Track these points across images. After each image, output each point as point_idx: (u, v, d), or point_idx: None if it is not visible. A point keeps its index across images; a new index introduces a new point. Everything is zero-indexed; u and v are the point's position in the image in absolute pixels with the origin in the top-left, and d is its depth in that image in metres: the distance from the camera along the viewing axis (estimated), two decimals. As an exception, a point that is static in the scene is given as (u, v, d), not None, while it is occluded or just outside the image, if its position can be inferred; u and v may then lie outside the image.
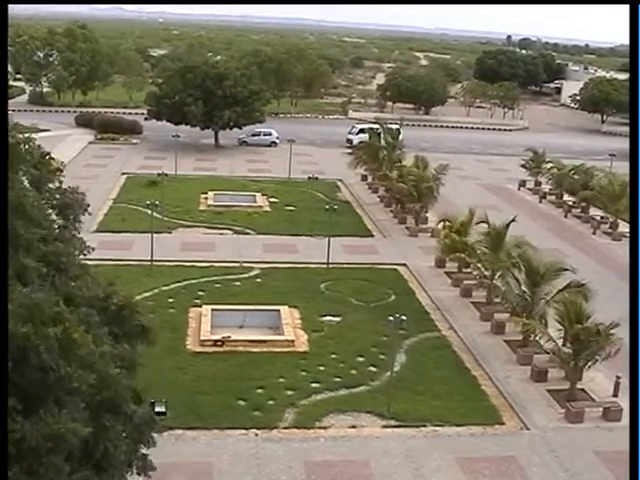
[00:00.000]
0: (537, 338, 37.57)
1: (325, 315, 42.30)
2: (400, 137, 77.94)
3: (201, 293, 44.45)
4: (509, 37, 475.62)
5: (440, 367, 37.00)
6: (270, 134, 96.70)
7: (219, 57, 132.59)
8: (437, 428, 31.51)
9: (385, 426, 31.43)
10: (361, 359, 37.04)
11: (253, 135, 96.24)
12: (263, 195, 68.70)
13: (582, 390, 34.95)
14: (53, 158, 24.52)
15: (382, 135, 77.42)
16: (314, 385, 34.24)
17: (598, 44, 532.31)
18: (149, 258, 47.41)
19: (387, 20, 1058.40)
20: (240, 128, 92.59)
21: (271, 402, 32.48)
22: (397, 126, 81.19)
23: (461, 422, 31.96)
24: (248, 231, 58.28)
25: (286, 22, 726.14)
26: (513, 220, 46.25)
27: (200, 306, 41.82)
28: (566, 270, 39.79)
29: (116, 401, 18.54)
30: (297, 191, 72.02)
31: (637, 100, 28.67)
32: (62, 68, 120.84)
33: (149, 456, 20.62)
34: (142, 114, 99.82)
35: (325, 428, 30.94)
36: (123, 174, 74.75)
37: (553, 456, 30.18)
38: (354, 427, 31.20)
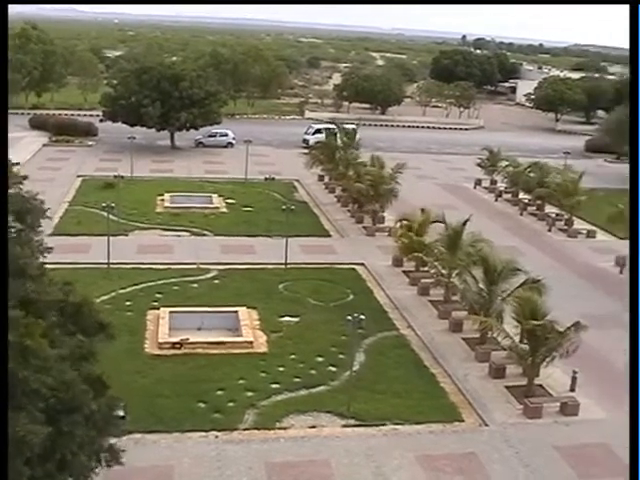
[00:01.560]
0: (495, 335, 37.88)
1: (284, 316, 42.28)
2: (357, 137, 78.11)
3: (159, 295, 44.18)
4: (464, 37, 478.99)
5: (399, 366, 37.15)
6: (226, 135, 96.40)
7: (175, 58, 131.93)
8: (397, 427, 31.64)
9: (345, 425, 31.48)
10: (320, 359, 37.08)
11: (210, 136, 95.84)
12: (220, 196, 68.45)
13: (540, 386, 35.36)
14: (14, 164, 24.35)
15: (338, 135, 77.59)
16: (274, 386, 34.21)
17: (552, 44, 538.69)
18: (106, 261, 47.02)
19: (343, 20, 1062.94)
20: (197, 129, 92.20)
21: (231, 404, 32.40)
22: (353, 126, 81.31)
23: (421, 420, 32.13)
24: (205, 232, 58.03)
25: (242, 23, 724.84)
26: (468, 219, 46.54)
27: (158, 309, 41.57)
28: (520, 270, 40.16)
29: (75, 402, 18.41)
30: (254, 192, 71.85)
31: (637, 100, 28.97)
32: (14, 70, 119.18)
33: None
34: (97, 116, 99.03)
35: (285, 429, 30.93)
36: (79, 177, 74.01)
37: (513, 452, 30.48)
38: (314, 427, 31.22)
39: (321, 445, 29.98)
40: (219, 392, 33.27)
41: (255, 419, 31.40)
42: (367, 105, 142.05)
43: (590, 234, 64.65)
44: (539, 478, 28.88)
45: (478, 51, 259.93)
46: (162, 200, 66.12)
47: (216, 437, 30.01)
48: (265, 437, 30.25)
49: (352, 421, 31.74)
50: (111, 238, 47.76)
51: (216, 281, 47.54)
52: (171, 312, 40.66)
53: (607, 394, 35.87)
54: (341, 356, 37.07)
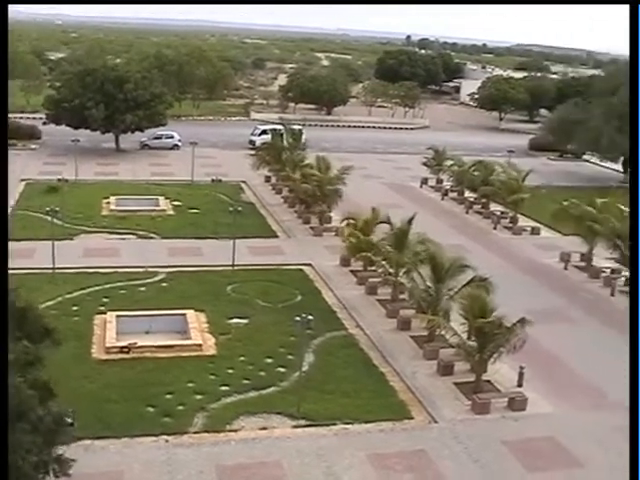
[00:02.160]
0: (442, 333, 38.19)
1: (232, 317, 42.17)
2: (303, 137, 78.13)
3: (106, 300, 43.75)
4: (409, 37, 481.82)
5: (348, 365, 37.28)
6: (172, 137, 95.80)
7: (119, 60, 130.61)
8: (347, 426, 31.74)
9: (296, 426, 31.51)
10: (270, 360, 37.06)
11: (155, 138, 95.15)
12: (166, 199, 68.01)
13: (488, 382, 35.72)
14: None
15: (284, 136, 77.58)
16: (223, 388, 34.11)
17: (495, 43, 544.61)
18: (51, 266, 46.43)
19: (288, 21, 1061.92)
20: (142, 131, 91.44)
21: (181, 407, 32.22)
22: (299, 127, 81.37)
23: (371, 419, 32.28)
24: (152, 235, 57.62)
25: (187, 24, 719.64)
26: (413, 217, 46.85)
27: (105, 313, 41.17)
28: (467, 267, 40.56)
29: (21, 408, 18.18)
30: (201, 194, 71.54)
31: (637, 100, 29.30)
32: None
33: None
34: (40, 118, 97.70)
35: (236, 431, 30.86)
36: (22, 180, 72.86)
37: (462, 448, 30.78)
38: (265, 429, 31.19)
39: (272, 446, 29.96)
40: (168, 396, 33.06)
41: (205, 422, 31.27)
42: (313, 106, 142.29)
43: (534, 231, 65.55)
44: (488, 473, 29.21)
45: (422, 51, 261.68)
46: (108, 203, 65.50)
47: (166, 441, 29.82)
48: (215, 440, 30.14)
49: (302, 421, 31.77)
50: (56, 242, 47.16)
51: (164, 284, 47.23)
52: (118, 316, 40.29)
53: (553, 388, 36.45)
54: (290, 357, 37.09)
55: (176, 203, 67.29)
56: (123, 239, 56.35)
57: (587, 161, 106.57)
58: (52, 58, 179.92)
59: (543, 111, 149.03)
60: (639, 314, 24.27)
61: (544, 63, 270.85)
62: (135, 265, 49.90)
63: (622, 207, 54.65)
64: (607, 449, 31.48)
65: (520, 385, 35.85)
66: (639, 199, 27.46)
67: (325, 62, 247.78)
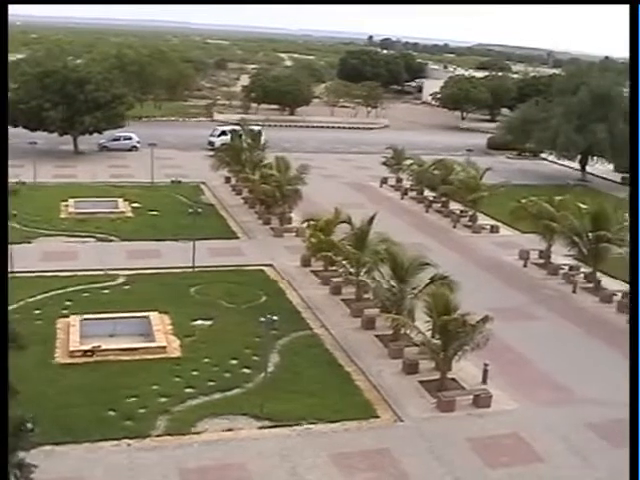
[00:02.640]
0: (407, 332, 38.29)
1: (196, 319, 41.97)
2: (262, 138, 78.01)
3: (68, 303, 43.33)
4: (371, 37, 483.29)
5: (313, 365, 37.30)
6: (130, 138, 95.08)
7: (80, 61, 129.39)
8: (312, 426, 31.73)
9: (261, 427, 31.43)
10: (234, 362, 36.94)
11: (113, 140, 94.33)
12: (126, 200, 67.46)
13: (452, 380, 35.94)
14: None
15: (244, 136, 77.40)
16: (188, 390, 33.93)
17: (457, 43, 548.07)
18: (10, 269, 45.75)
19: (250, 21, 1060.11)
20: (101, 133, 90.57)
21: (144, 410, 31.98)
22: (259, 127, 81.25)
23: (336, 418, 32.30)
24: (112, 238, 57.16)
25: (148, 24, 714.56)
26: (374, 216, 46.96)
27: (68, 316, 40.78)
28: (429, 265, 40.78)
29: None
30: (160, 195, 71.12)
31: (637, 100, 29.38)
32: None
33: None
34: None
35: (199, 433, 30.69)
36: (-21, 184, 71.91)
37: (427, 446, 30.91)
38: (230, 430, 31.07)
39: (236, 448, 29.86)
40: (132, 399, 32.80)
41: (168, 425, 31.05)
42: (276, 106, 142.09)
43: (494, 229, 66.04)
44: (451, 470, 29.34)
45: (385, 51, 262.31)
46: (66, 206, 64.80)
47: (128, 445, 29.58)
48: (179, 443, 29.95)
49: (267, 422, 31.69)
50: (14, 246, 46.59)
51: (126, 287, 46.89)
52: (82, 319, 39.92)
53: (517, 385, 36.73)
54: (255, 358, 37.00)
55: (135, 205, 66.79)
56: (82, 242, 55.82)
57: (545, 159, 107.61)
58: (12, 59, 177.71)
59: (504, 110, 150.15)
60: (639, 316, 24.42)
61: (505, 62, 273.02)
62: (95, 268, 49.43)
63: (579, 204, 55.29)
64: (570, 445, 31.79)
65: (484, 382, 36.10)
66: (639, 199, 27.54)
67: (288, 62, 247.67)
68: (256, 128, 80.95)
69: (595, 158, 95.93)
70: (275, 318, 32.94)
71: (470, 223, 67.46)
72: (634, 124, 29.70)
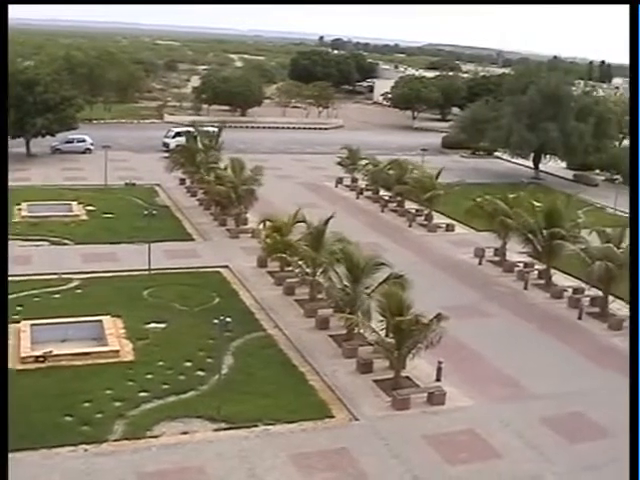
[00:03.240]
0: (361, 331, 38.43)
1: (150, 322, 41.66)
2: (218, 139, 77.70)
3: (19, 308, 42.68)
4: (322, 38, 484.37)
5: (268, 366, 37.24)
6: (84, 141, 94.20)
7: (29, 62, 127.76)
8: (269, 427, 31.68)
9: (217, 429, 31.31)
10: (189, 364, 36.76)
11: (66, 142, 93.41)
12: (80, 203, 66.81)
13: (407, 378, 36.10)
14: None
15: (198, 138, 77.09)
16: (142, 394, 33.67)
17: (407, 43, 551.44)
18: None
19: (200, 22, 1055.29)
20: (53, 135, 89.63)
21: (99, 415, 31.69)
22: (214, 128, 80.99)
23: (292, 419, 32.29)
24: (66, 241, 56.57)
25: (98, 25, 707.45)
26: (331, 217, 47.06)
27: (19, 322, 40.23)
28: (384, 265, 40.95)
29: None
30: (114, 198, 70.55)
31: (637, 100, 29.54)
32: None
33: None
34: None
35: (156, 437, 30.49)
36: None
37: (383, 444, 31.02)
38: (186, 433, 30.90)
39: (194, 451, 29.73)
40: (86, 404, 32.48)
41: (125, 429, 30.81)
42: (227, 107, 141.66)
43: (449, 228, 66.55)
44: (410, 468, 29.46)
45: (335, 51, 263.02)
46: (19, 210, 63.97)
47: (85, 450, 29.29)
48: (136, 447, 29.74)
49: (224, 424, 31.58)
50: (-35, 251, 45.89)
51: (78, 291, 46.41)
52: (33, 325, 39.40)
53: (471, 381, 37.03)
54: (209, 360, 36.86)
55: (90, 208, 66.18)
56: (36, 246, 55.17)
57: (499, 158, 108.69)
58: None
59: (455, 109, 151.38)
60: (639, 316, 24.65)
61: (455, 62, 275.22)
62: (49, 272, 48.88)
63: (533, 202, 55.90)
64: (526, 440, 32.12)
65: (439, 380, 36.33)
66: (639, 200, 27.78)
67: (239, 63, 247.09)
68: (211, 129, 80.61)
69: (548, 156, 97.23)
70: (229, 320, 32.83)
71: (425, 222, 67.88)
72: (634, 124, 29.85)
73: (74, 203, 66.76)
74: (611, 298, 47.75)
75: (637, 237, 27.23)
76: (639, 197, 28.03)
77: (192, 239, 59.02)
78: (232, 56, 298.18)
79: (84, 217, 63.62)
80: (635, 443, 20.98)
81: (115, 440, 30.06)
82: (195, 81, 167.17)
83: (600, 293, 48.25)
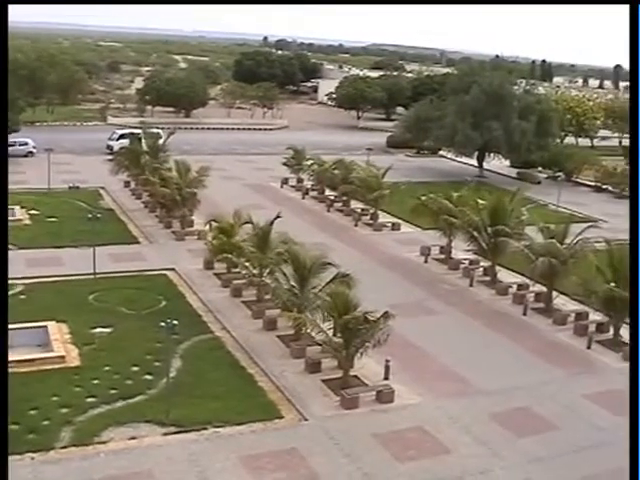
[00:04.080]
0: (308, 331, 38.45)
1: (95, 327, 41.18)
2: (162, 141, 77.28)
3: (-39, 315, 42.00)
4: (266, 38, 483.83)
5: (216, 368, 37.09)
6: (26, 144, 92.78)
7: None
8: (218, 429, 31.55)
9: (166, 433, 31.08)
10: (136, 368, 36.43)
11: (8, 145, 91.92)
12: (22, 208, 65.78)
13: (355, 377, 36.20)
14: None
15: (143, 140, 76.51)
16: (89, 400, 33.28)
17: (351, 43, 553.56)
18: None
19: (143, 23, 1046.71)
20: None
21: (46, 422, 31.25)
22: (159, 130, 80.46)
23: (241, 421, 32.19)
24: (9, 246, 55.62)
25: (40, 26, 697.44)
26: (277, 217, 47.01)
27: (-40, 329, 39.54)
28: (330, 265, 41.07)
29: None
30: (58, 201, 69.65)
31: (637, 100, 29.64)
32: None
33: None
34: None
35: (105, 443, 30.15)
36: None
37: (333, 443, 31.07)
38: (134, 438, 30.62)
39: (143, 456, 29.47)
40: (32, 411, 32.00)
41: (72, 436, 30.42)
42: (171, 108, 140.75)
43: (395, 227, 66.95)
44: (360, 466, 29.57)
45: (280, 52, 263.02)
46: (-41, 215, 62.89)
47: (32, 459, 28.82)
48: (84, 454, 29.37)
49: (173, 428, 31.36)
50: None
51: (22, 296, 45.66)
52: (-25, 332, 38.79)
53: (419, 379, 37.31)
54: (157, 363, 36.58)
55: (33, 212, 65.25)
56: (-23, 252, 54.24)
57: (443, 157, 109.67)
58: None
59: (400, 109, 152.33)
60: (639, 315, 24.82)
61: (399, 62, 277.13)
62: (-9, 278, 48.09)
63: (477, 200, 56.50)
64: (475, 435, 32.45)
65: (387, 378, 36.53)
66: (639, 200, 27.91)
67: (182, 64, 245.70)
68: (155, 131, 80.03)
69: (492, 154, 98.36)
70: (175, 322, 32.59)
71: (371, 221, 68.19)
72: (634, 124, 30.02)
73: (17, 207, 65.68)
74: (555, 294, 48.51)
75: (637, 237, 27.50)
76: (639, 197, 28.25)
77: (137, 242, 58.53)
78: (176, 57, 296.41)
79: (27, 221, 62.70)
80: (635, 443, 21.14)
81: (63, 447, 29.65)
82: (139, 82, 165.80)
83: (544, 289, 48.96)
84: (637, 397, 22.04)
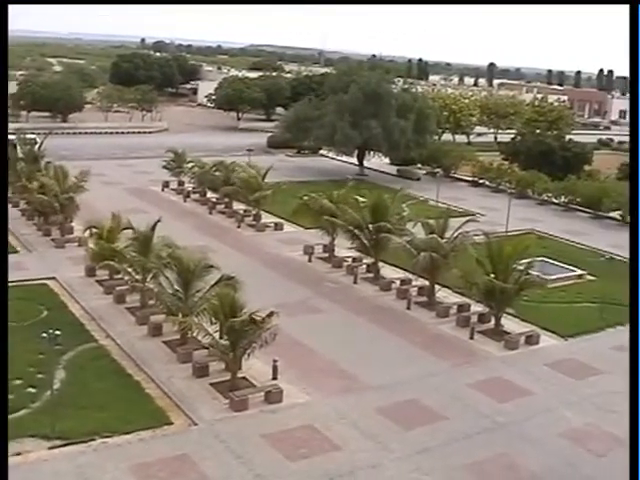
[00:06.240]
0: (195, 335, 38.19)
1: (-27, 341, 39.91)
2: (37, 146, 75.35)
3: None
4: (143, 40, 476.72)
5: (102, 378, 36.39)
6: None
7: None
8: (106, 440, 30.97)
9: (52, 447, 30.31)
10: (18, 382, 35.34)
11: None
12: None
13: (243, 378, 36.15)
14: None
15: (18, 146, 74.42)
16: (-31, 416, 32.26)
17: (229, 44, 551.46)
18: None
19: (18, 25, 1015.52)
20: None
21: None
22: (34, 135, 78.40)
23: (130, 429, 31.70)
24: None
25: None
26: (158, 221, 46.50)
27: None
28: (213, 267, 40.93)
29: None
30: None
31: (637, 100, 29.64)
32: None
33: None
34: None
35: (-14, 460, 29.28)
36: None
37: (223, 447, 30.97)
38: (19, 454, 29.71)
39: (28, 472, 28.58)
40: None
41: (-49, 454, 29.44)
42: (47, 113, 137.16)
43: (278, 227, 67.11)
44: (252, 468, 29.58)
45: (157, 54, 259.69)
46: None
47: None
48: (-36, 472, 28.46)
49: (58, 442, 30.59)
50: None
51: None
52: None
53: (307, 378, 37.54)
54: (40, 375, 35.63)
55: None
56: None
57: (324, 156, 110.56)
58: None
59: (279, 109, 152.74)
60: (639, 314, 25.06)
61: (278, 63, 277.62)
62: None
63: (358, 198, 57.20)
64: (363, 430, 32.89)
65: (275, 378, 36.62)
66: (639, 200, 28.14)
67: (58, 67, 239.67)
68: (31, 137, 77.89)
69: (372, 152, 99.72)
70: (58, 333, 31.85)
71: (254, 222, 68.16)
72: (634, 124, 30.37)
73: None
74: (437, 287, 49.61)
75: (637, 237, 28.01)
76: (639, 197, 28.72)
77: (16, 251, 56.75)
78: (51, 60, 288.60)
79: None
80: (635, 442, 21.44)
81: (-59, 467, 28.67)
82: (12, 87, 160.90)
83: (427, 283, 50.00)
84: (637, 397, 22.46)
